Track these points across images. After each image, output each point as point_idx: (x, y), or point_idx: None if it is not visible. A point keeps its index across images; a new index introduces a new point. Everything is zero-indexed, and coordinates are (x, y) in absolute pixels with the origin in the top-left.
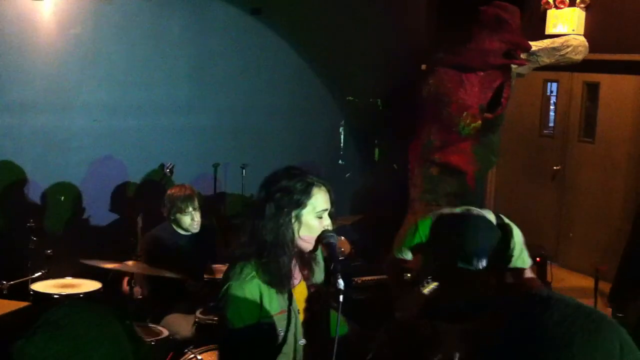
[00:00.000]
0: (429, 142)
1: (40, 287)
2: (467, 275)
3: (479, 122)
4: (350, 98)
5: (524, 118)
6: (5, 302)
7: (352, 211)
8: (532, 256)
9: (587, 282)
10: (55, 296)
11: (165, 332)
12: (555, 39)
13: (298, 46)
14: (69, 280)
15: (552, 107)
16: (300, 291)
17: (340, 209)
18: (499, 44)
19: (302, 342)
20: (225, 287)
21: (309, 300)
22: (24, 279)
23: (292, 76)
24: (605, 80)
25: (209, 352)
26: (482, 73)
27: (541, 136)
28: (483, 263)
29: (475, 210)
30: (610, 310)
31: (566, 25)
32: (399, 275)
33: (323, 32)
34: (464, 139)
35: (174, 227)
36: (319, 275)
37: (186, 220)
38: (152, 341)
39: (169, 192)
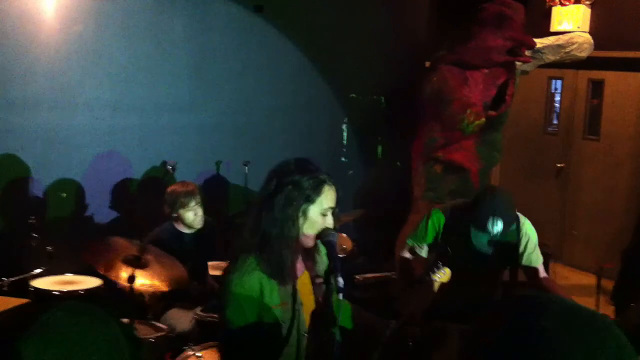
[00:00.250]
0: (432, 139)
1: (40, 283)
2: (478, 271)
3: (483, 119)
4: (353, 95)
5: (528, 115)
6: (5, 299)
7: (354, 208)
8: None
9: (591, 280)
10: (56, 293)
11: (166, 329)
12: (561, 36)
13: (300, 44)
14: (69, 277)
15: (556, 105)
16: (303, 282)
17: (342, 206)
18: (503, 41)
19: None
20: (226, 281)
21: (313, 291)
22: (25, 275)
23: (295, 74)
24: (610, 78)
25: (209, 350)
26: (486, 70)
27: (545, 133)
28: (498, 227)
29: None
30: (612, 308)
31: (571, 22)
32: (407, 273)
33: (325, 30)
34: (468, 136)
35: (176, 225)
36: (321, 266)
37: (189, 215)
38: (152, 338)
39: (170, 189)
